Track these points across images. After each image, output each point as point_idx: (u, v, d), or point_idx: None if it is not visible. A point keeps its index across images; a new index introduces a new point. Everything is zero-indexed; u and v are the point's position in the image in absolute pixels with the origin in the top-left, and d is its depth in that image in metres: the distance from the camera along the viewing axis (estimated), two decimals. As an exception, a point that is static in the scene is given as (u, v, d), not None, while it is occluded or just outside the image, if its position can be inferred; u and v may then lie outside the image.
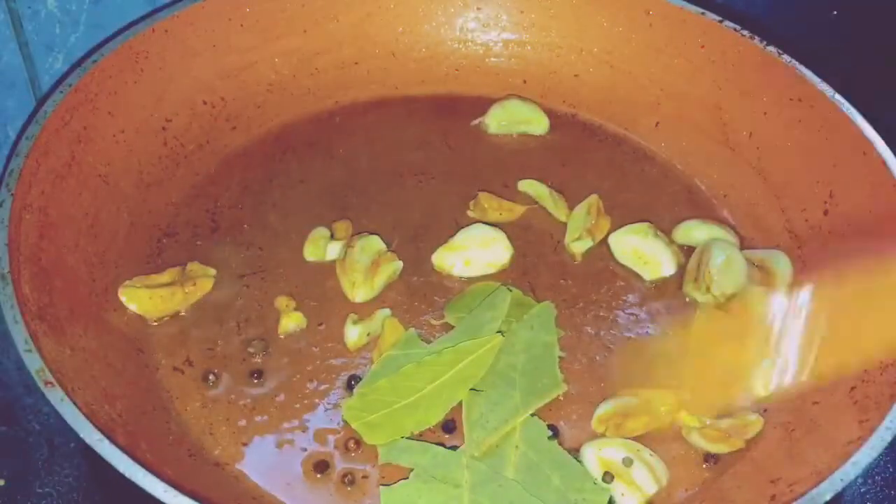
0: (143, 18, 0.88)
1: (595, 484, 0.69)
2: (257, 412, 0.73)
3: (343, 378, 0.76)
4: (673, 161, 0.94)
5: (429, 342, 0.76)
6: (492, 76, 0.99)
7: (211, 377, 0.75)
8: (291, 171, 0.90)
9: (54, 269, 0.73)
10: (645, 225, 0.85)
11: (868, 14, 1.10)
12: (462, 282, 0.82)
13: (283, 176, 0.90)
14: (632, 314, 0.82)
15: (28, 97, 0.90)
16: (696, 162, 0.94)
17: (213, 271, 0.81)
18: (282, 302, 0.80)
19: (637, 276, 0.85)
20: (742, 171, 0.91)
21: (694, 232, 0.87)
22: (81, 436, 0.61)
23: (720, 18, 0.91)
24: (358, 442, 0.72)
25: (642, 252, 0.84)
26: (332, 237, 0.84)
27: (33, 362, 0.64)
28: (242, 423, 0.73)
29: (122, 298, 0.77)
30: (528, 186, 0.90)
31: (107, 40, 0.85)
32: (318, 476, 0.71)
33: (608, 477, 0.70)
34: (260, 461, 0.71)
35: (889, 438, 0.66)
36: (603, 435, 0.73)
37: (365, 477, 0.70)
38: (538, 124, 0.96)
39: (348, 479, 0.70)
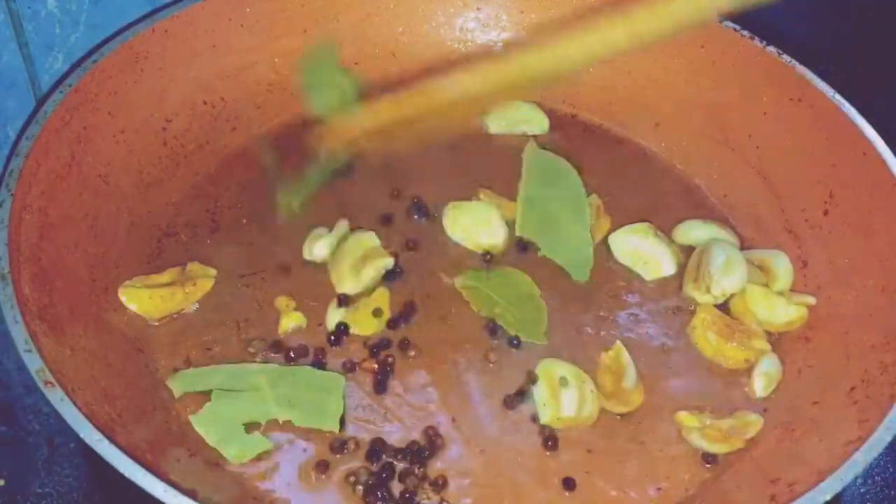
0: (143, 18, 0.88)
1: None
2: (257, 412, 0.74)
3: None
4: (673, 161, 0.94)
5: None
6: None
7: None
8: (291, 172, 0.90)
9: (54, 269, 0.73)
10: (645, 225, 0.85)
11: (868, 14, 1.10)
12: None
13: (284, 176, 0.90)
14: (632, 314, 0.82)
15: (28, 97, 0.90)
16: (696, 162, 0.94)
17: (213, 271, 0.81)
18: (282, 302, 0.80)
19: (637, 276, 0.85)
20: (742, 171, 0.91)
21: (694, 232, 0.87)
22: (81, 436, 0.61)
23: (720, 19, 0.91)
24: (358, 442, 0.72)
25: (642, 252, 0.84)
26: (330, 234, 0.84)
27: (33, 362, 0.64)
28: (242, 423, 0.73)
29: (122, 298, 0.77)
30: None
31: (107, 40, 0.85)
32: (319, 476, 0.71)
33: (532, 376, 0.76)
34: (260, 461, 0.71)
35: (889, 438, 0.66)
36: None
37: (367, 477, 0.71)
38: (538, 124, 0.96)
39: (351, 479, 0.70)
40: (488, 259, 0.84)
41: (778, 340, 0.80)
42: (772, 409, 0.76)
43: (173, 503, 0.59)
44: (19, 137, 0.76)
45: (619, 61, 0.97)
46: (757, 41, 0.89)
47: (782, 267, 0.83)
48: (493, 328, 0.79)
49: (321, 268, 0.83)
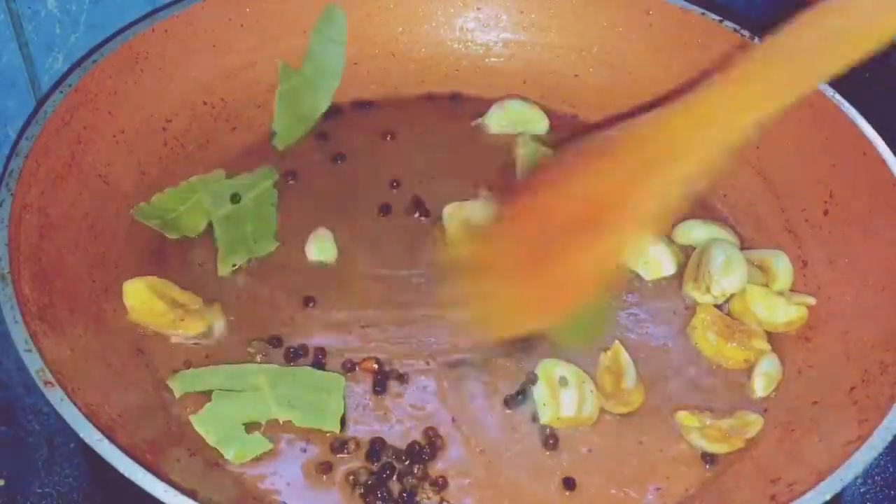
0: (143, 18, 0.88)
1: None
2: (257, 412, 0.74)
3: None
4: (673, 161, 0.94)
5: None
6: (492, 76, 0.99)
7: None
8: (291, 172, 0.90)
9: (54, 269, 0.73)
10: None
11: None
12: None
13: (283, 176, 0.90)
14: (632, 314, 0.82)
15: (28, 97, 0.90)
16: (696, 162, 0.93)
17: (221, 319, 0.79)
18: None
19: (637, 276, 0.85)
20: (742, 171, 0.90)
21: (694, 232, 0.87)
22: (81, 436, 0.61)
23: (720, 18, 0.91)
24: (358, 443, 0.72)
25: (642, 252, 0.84)
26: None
27: (33, 362, 0.64)
28: (242, 423, 0.73)
29: (124, 291, 0.77)
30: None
31: (107, 40, 0.85)
32: (319, 476, 0.71)
33: (532, 376, 0.75)
34: (260, 461, 0.71)
35: (889, 438, 0.66)
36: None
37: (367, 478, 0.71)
38: (538, 124, 0.96)
39: (351, 479, 0.70)
40: None
41: (778, 340, 0.80)
42: (772, 409, 0.76)
43: (173, 503, 0.59)
44: (19, 137, 0.76)
45: (619, 61, 0.97)
46: (757, 41, 0.89)
47: (782, 267, 0.83)
48: None
49: (322, 268, 0.83)
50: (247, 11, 0.92)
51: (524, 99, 0.97)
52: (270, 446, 0.71)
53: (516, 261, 0.67)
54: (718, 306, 0.81)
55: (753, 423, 0.75)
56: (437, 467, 0.72)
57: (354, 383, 0.76)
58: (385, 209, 0.88)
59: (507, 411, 0.75)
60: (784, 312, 0.80)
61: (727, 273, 0.81)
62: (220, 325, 0.78)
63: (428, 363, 0.78)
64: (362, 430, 0.73)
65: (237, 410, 0.72)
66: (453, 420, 0.74)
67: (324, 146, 0.93)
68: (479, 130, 0.96)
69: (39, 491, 0.75)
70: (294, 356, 0.77)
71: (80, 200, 0.78)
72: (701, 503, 0.71)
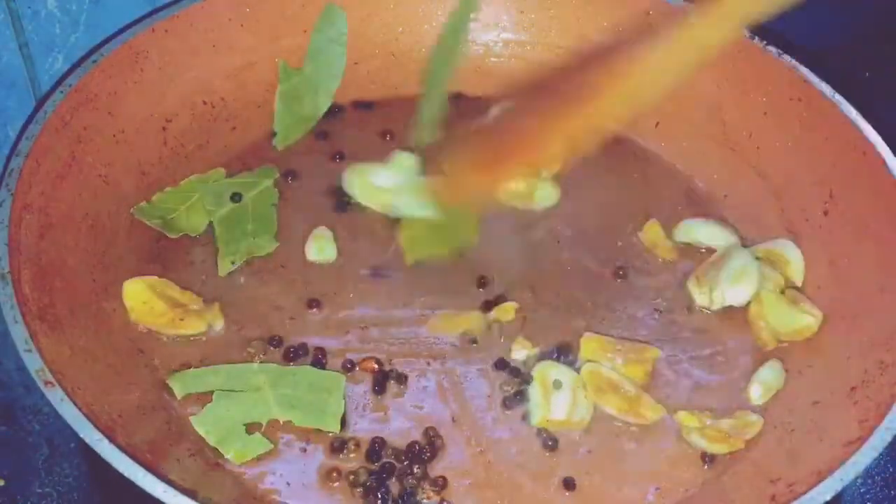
0: (143, 18, 0.87)
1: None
2: (257, 412, 0.74)
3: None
4: (673, 161, 0.94)
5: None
6: (492, 76, 0.99)
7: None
8: (291, 172, 0.90)
9: (54, 269, 0.73)
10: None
11: (868, 14, 1.10)
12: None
13: (283, 176, 0.90)
14: (631, 314, 0.82)
15: (28, 97, 0.90)
16: (696, 162, 0.94)
17: (221, 321, 0.79)
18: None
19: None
20: (742, 171, 0.91)
21: (695, 231, 0.87)
22: (81, 436, 0.61)
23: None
24: (358, 443, 0.72)
25: None
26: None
27: (33, 362, 0.64)
28: (242, 423, 0.73)
29: (123, 290, 0.77)
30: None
31: (107, 40, 0.85)
32: (319, 476, 0.71)
33: (528, 378, 0.76)
34: (260, 461, 0.71)
35: (889, 438, 0.66)
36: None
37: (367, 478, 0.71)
38: (538, 124, 0.95)
39: (351, 479, 0.70)
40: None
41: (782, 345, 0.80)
42: (772, 409, 0.76)
43: (173, 503, 0.59)
44: (19, 137, 0.76)
45: (619, 61, 0.96)
46: (757, 41, 0.89)
47: (793, 256, 0.83)
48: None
49: (322, 267, 0.83)
50: (247, 11, 0.92)
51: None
52: (271, 446, 0.71)
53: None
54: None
55: (753, 423, 0.75)
56: (437, 467, 0.72)
57: (354, 383, 0.76)
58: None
59: (507, 412, 0.75)
60: (793, 321, 0.80)
61: (734, 283, 0.81)
62: (219, 325, 0.78)
63: (428, 363, 0.78)
64: (362, 430, 0.73)
65: (237, 411, 0.72)
66: (453, 420, 0.74)
67: (324, 146, 0.93)
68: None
69: (39, 491, 0.75)
70: (294, 356, 0.77)
71: (80, 200, 0.78)
72: (700, 503, 0.71)
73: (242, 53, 0.92)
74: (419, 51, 0.98)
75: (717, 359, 0.80)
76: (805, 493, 0.63)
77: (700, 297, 0.82)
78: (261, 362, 0.76)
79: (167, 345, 0.77)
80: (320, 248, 0.84)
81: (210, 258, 0.83)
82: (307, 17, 0.94)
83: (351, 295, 0.82)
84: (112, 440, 0.61)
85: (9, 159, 0.74)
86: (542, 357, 0.78)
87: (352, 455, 0.72)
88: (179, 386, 0.73)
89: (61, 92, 0.79)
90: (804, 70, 0.86)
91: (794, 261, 0.83)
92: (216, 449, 0.71)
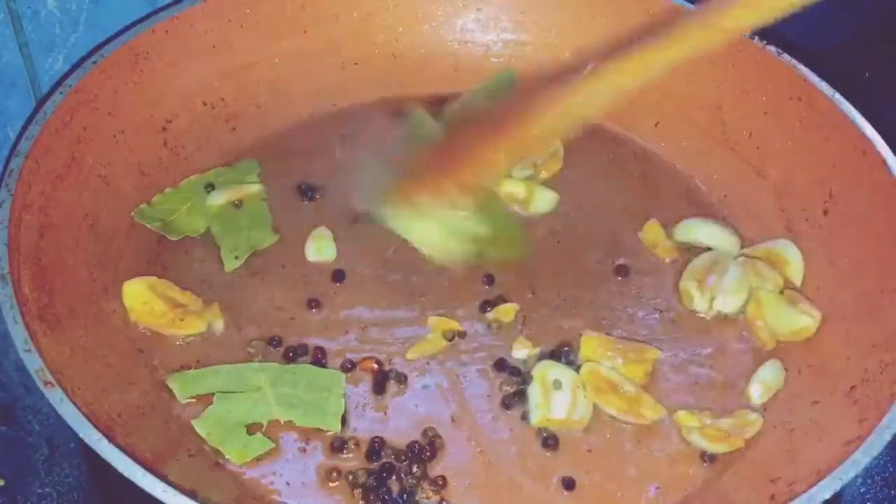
0: (143, 19, 0.88)
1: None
2: (257, 412, 0.74)
3: (343, 378, 0.76)
4: (673, 161, 0.94)
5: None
6: (492, 76, 0.99)
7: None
8: (292, 171, 0.90)
9: (54, 269, 0.73)
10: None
11: (868, 14, 1.10)
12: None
13: (284, 176, 0.90)
14: (630, 314, 0.82)
15: (28, 97, 0.90)
16: (696, 162, 0.94)
17: (221, 323, 0.79)
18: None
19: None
20: (742, 171, 0.91)
21: (695, 231, 0.87)
22: (81, 436, 0.61)
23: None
24: (358, 443, 0.72)
25: None
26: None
27: (33, 362, 0.64)
28: (242, 422, 0.73)
29: (123, 291, 0.77)
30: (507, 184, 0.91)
31: (107, 40, 0.85)
32: (318, 476, 0.71)
33: (528, 377, 0.76)
34: (260, 461, 0.71)
35: (889, 438, 0.66)
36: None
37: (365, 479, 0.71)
38: (538, 124, 0.95)
39: (351, 479, 0.70)
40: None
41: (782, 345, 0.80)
42: (771, 408, 0.76)
43: (173, 503, 0.59)
44: (19, 137, 0.76)
45: (619, 61, 0.96)
46: (757, 41, 0.89)
47: (792, 256, 0.83)
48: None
49: (323, 268, 0.83)
50: (247, 12, 0.92)
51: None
52: (272, 445, 0.71)
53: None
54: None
55: (753, 422, 0.75)
56: (437, 467, 0.72)
57: (354, 383, 0.76)
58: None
59: (507, 412, 0.75)
60: (791, 321, 0.79)
61: (735, 294, 0.81)
62: (219, 325, 0.78)
63: (428, 363, 0.78)
64: (362, 430, 0.73)
65: (238, 411, 0.72)
66: (453, 420, 0.74)
67: (324, 146, 0.93)
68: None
69: (39, 491, 0.75)
70: (294, 356, 0.77)
71: (80, 200, 0.78)
72: (701, 503, 0.71)
73: (242, 53, 0.92)
74: (419, 51, 0.98)
75: (717, 358, 0.80)
76: (805, 492, 0.62)
77: (698, 301, 0.82)
78: (261, 362, 0.76)
79: (167, 345, 0.77)
80: (320, 248, 0.84)
81: (210, 258, 0.83)
82: (307, 17, 0.94)
83: (351, 295, 0.82)
84: (112, 440, 0.61)
85: (9, 159, 0.74)
86: (542, 357, 0.78)
87: (351, 455, 0.72)
88: (179, 387, 0.73)
89: (61, 92, 0.79)
90: (804, 70, 0.86)
91: (794, 261, 0.83)
92: (216, 449, 0.71)
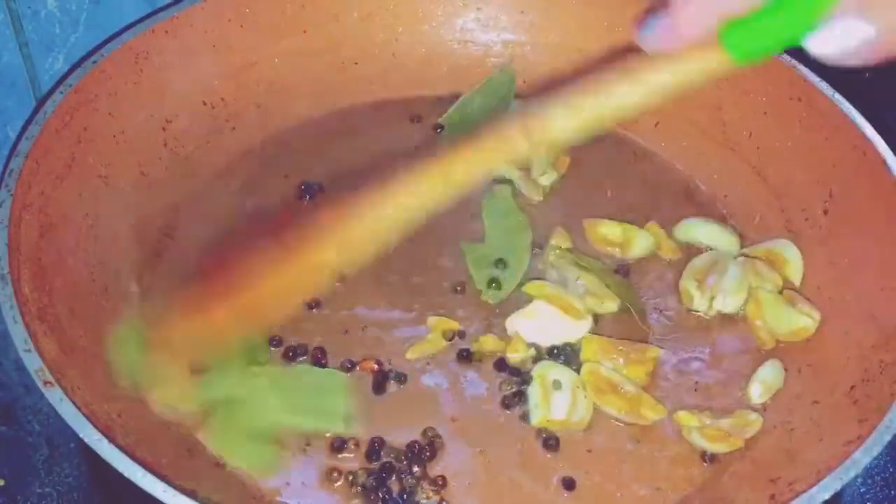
0: (143, 19, 0.88)
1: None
2: (257, 412, 0.74)
3: (343, 378, 0.76)
4: (673, 161, 0.94)
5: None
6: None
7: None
8: (292, 171, 0.90)
9: (54, 269, 0.73)
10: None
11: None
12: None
13: (284, 176, 0.90)
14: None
15: (28, 97, 0.90)
16: (696, 162, 0.94)
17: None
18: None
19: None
20: (742, 171, 0.91)
21: (695, 230, 0.87)
22: (81, 436, 0.61)
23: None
24: (358, 443, 0.72)
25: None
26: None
27: (33, 362, 0.64)
28: (242, 422, 0.73)
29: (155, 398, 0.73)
30: (501, 168, 0.90)
31: (107, 40, 0.85)
32: (318, 476, 0.71)
33: (528, 378, 0.76)
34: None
35: (889, 438, 0.66)
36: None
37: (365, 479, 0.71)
38: (538, 124, 0.95)
39: (351, 478, 0.70)
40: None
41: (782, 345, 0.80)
42: (771, 408, 0.76)
43: (173, 503, 0.59)
44: (19, 137, 0.75)
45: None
46: (757, 41, 0.89)
47: (792, 256, 0.83)
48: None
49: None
50: (247, 11, 0.92)
51: (524, 99, 0.97)
52: (283, 454, 0.71)
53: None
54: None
55: (753, 422, 0.75)
56: (437, 467, 0.72)
57: (354, 384, 0.76)
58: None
59: (507, 412, 0.75)
60: (790, 322, 0.79)
61: (735, 294, 0.81)
62: None
63: (427, 363, 0.78)
64: (361, 430, 0.73)
65: (243, 420, 0.71)
66: (453, 420, 0.74)
67: (324, 146, 0.93)
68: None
69: (39, 491, 0.75)
70: (294, 356, 0.77)
71: (80, 200, 0.78)
72: (700, 503, 0.71)
73: (242, 53, 0.92)
74: (419, 51, 0.98)
75: (717, 358, 0.79)
76: (805, 491, 0.62)
77: (698, 301, 0.82)
78: (261, 366, 0.76)
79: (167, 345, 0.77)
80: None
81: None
82: (307, 16, 0.94)
83: (351, 295, 0.82)
84: (112, 440, 0.61)
85: (9, 159, 0.74)
86: (542, 357, 0.78)
87: (352, 455, 0.72)
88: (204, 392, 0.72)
89: (61, 92, 0.79)
90: (804, 70, 0.86)
91: (793, 260, 0.83)
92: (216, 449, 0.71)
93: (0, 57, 0.86)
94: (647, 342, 0.79)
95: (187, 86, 0.89)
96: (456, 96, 0.97)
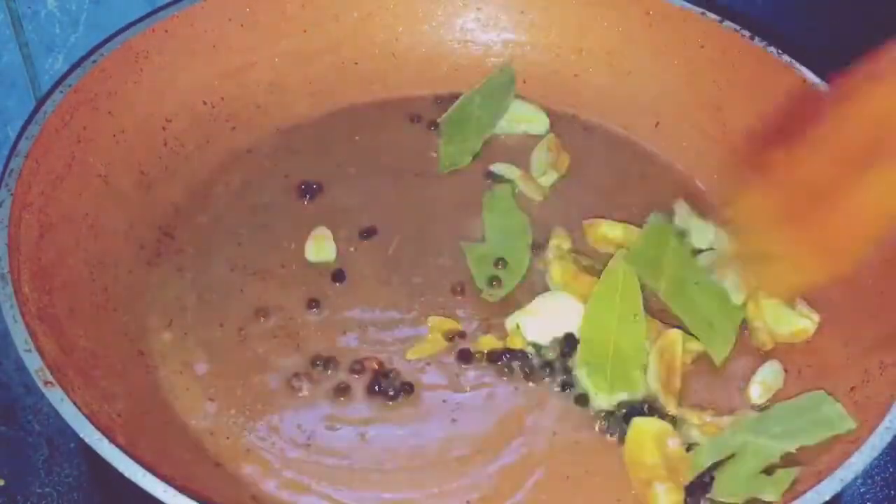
0: (143, 18, 0.88)
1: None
2: (257, 412, 0.74)
3: (343, 378, 0.76)
4: (673, 161, 0.94)
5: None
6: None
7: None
8: (292, 171, 0.90)
9: (54, 269, 0.73)
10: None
11: (868, 14, 1.10)
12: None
13: (284, 176, 0.90)
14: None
15: (28, 97, 0.90)
16: (696, 162, 0.94)
17: None
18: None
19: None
20: (742, 172, 0.90)
21: (694, 231, 0.87)
22: (81, 436, 0.61)
23: (720, 18, 0.91)
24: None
25: None
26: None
27: (33, 362, 0.64)
28: (242, 422, 0.73)
29: None
30: (501, 168, 0.91)
31: (107, 40, 0.85)
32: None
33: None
34: (260, 460, 0.71)
35: (889, 438, 0.66)
36: None
37: None
38: (538, 124, 0.96)
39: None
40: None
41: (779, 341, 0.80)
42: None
43: (173, 503, 0.59)
44: (19, 137, 0.76)
45: (619, 61, 0.97)
46: (757, 41, 0.89)
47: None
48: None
49: (323, 268, 0.83)
50: (247, 11, 0.92)
51: (524, 99, 0.97)
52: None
53: (792, 210, 0.63)
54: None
55: (753, 423, 0.74)
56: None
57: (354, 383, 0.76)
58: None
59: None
60: (789, 323, 0.79)
61: (734, 292, 0.81)
62: None
63: (428, 363, 0.78)
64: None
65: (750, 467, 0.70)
66: (453, 420, 0.74)
67: (324, 146, 0.93)
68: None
69: (39, 491, 0.75)
70: (324, 367, 0.77)
71: (80, 200, 0.78)
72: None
73: (242, 53, 0.92)
74: (419, 51, 0.98)
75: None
76: (805, 492, 0.62)
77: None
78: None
79: (167, 346, 0.77)
80: (320, 248, 0.84)
81: (209, 259, 0.83)
82: (307, 16, 0.94)
83: (351, 295, 0.82)
84: (112, 440, 0.61)
85: (8, 159, 0.74)
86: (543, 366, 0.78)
87: (352, 455, 0.72)
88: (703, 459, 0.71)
89: (61, 92, 0.79)
90: (804, 70, 0.86)
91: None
92: (216, 448, 0.71)
93: (0, 57, 0.86)
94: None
95: (187, 85, 0.89)
96: (456, 96, 0.97)
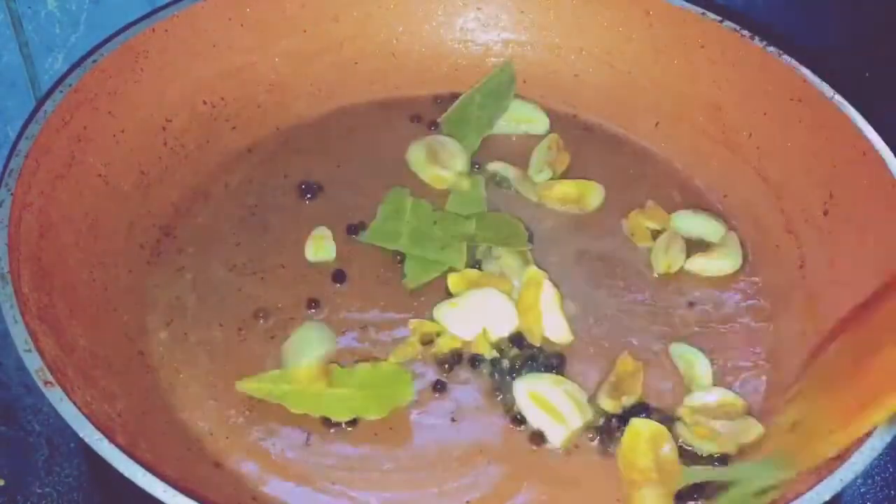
0: (143, 18, 0.88)
1: None
2: (257, 412, 0.74)
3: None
4: (673, 161, 0.94)
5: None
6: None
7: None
8: (292, 171, 0.90)
9: (54, 269, 0.73)
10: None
11: (868, 14, 1.10)
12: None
13: (284, 176, 0.90)
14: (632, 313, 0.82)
15: (28, 97, 0.90)
16: (696, 162, 0.94)
17: None
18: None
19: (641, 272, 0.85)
20: (742, 171, 0.91)
21: (687, 222, 0.88)
22: (81, 436, 0.61)
23: (720, 18, 0.91)
24: (358, 442, 0.73)
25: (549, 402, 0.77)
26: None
27: (33, 362, 0.64)
28: (242, 422, 0.73)
29: None
30: (498, 167, 0.91)
31: (107, 40, 0.85)
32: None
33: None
34: (259, 460, 0.71)
35: (889, 438, 0.65)
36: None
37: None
38: (538, 124, 0.96)
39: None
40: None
41: (778, 341, 0.80)
42: (772, 411, 0.76)
43: (173, 503, 0.59)
44: (19, 137, 0.76)
45: (619, 61, 0.97)
46: (757, 41, 0.89)
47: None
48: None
49: (323, 267, 0.83)
50: (247, 11, 0.92)
51: (524, 99, 0.97)
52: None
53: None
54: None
55: (752, 428, 0.74)
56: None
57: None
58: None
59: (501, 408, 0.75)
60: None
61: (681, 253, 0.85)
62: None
63: (427, 363, 0.78)
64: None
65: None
66: (453, 420, 0.74)
67: (324, 146, 0.93)
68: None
69: (39, 491, 0.75)
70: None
71: (80, 200, 0.78)
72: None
73: (242, 53, 0.92)
74: (419, 51, 0.98)
75: (717, 357, 0.79)
76: (805, 492, 0.62)
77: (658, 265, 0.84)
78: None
79: (167, 346, 0.77)
80: (320, 248, 0.84)
81: (209, 259, 0.83)
82: (307, 16, 0.94)
83: (351, 295, 0.82)
84: (112, 440, 0.61)
85: (9, 159, 0.74)
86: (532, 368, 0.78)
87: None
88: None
89: (61, 92, 0.79)
90: (804, 70, 0.86)
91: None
92: (216, 448, 0.71)
93: (0, 57, 0.86)
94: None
95: (187, 85, 0.89)
96: (456, 96, 0.97)
